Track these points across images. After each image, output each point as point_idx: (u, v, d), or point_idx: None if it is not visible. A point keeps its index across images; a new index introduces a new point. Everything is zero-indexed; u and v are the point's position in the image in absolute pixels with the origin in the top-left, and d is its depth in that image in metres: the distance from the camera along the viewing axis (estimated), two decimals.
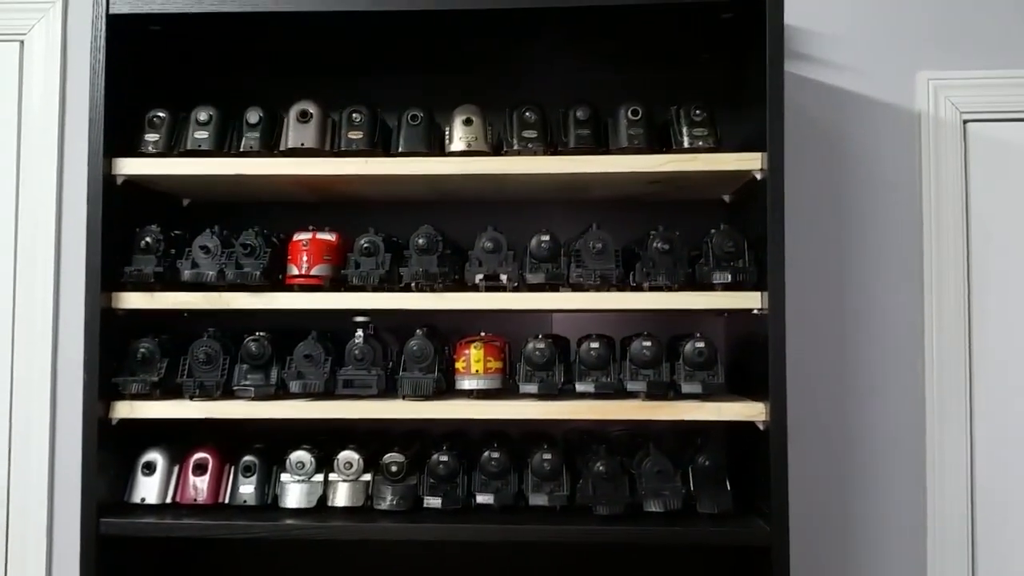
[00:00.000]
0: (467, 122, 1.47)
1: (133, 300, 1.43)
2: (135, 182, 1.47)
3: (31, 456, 1.68)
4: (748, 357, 1.51)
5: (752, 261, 1.42)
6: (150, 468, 1.47)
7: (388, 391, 1.45)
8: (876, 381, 1.68)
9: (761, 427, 1.38)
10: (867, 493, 1.66)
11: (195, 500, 1.45)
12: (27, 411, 1.69)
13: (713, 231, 1.44)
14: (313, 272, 1.45)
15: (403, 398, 1.43)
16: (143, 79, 1.51)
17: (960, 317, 1.65)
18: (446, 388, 1.48)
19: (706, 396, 1.41)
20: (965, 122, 1.68)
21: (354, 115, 1.46)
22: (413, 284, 1.44)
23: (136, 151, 1.45)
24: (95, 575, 1.37)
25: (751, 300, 1.40)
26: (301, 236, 1.47)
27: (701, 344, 1.42)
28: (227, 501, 1.46)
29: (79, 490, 1.39)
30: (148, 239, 1.44)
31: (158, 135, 1.46)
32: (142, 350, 1.44)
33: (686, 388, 1.41)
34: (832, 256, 1.69)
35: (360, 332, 1.47)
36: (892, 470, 1.66)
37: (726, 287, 1.41)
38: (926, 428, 1.65)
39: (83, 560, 1.38)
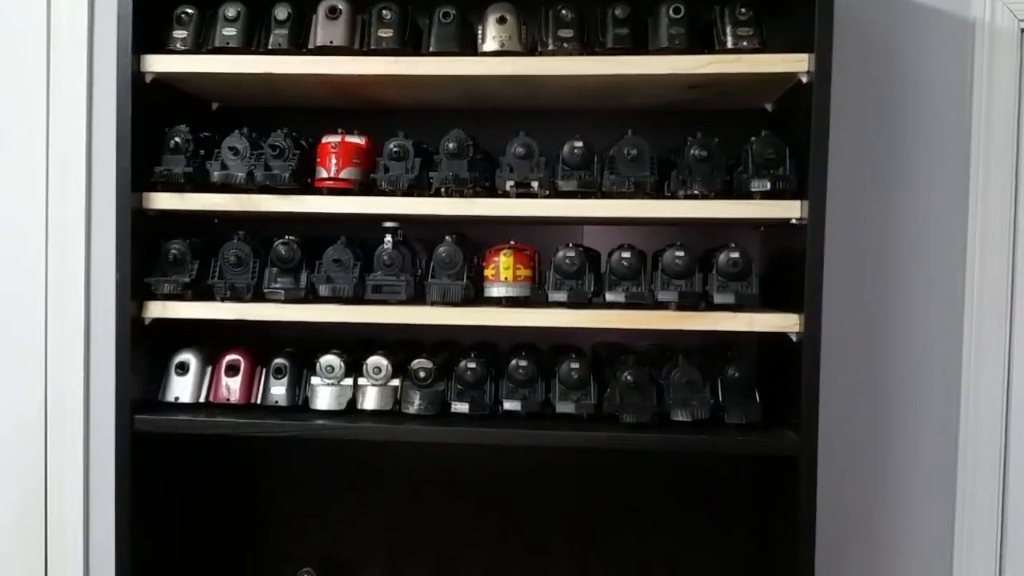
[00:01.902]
0: (501, 20, 1.42)
1: (163, 201, 1.42)
2: (164, 81, 1.45)
3: (66, 357, 1.72)
4: (784, 272, 1.48)
5: (793, 169, 1.37)
6: (183, 368, 1.49)
7: (417, 298, 1.45)
8: (915, 294, 1.64)
9: (794, 338, 1.35)
10: (899, 409, 1.64)
11: (227, 400, 1.48)
12: (61, 312, 1.72)
13: (753, 138, 1.39)
14: (342, 175, 1.43)
15: (431, 304, 1.43)
16: None
17: (1005, 230, 1.60)
18: (475, 296, 1.47)
19: (739, 307, 1.39)
20: (1023, 30, 1.59)
21: (384, 12, 1.42)
22: (443, 189, 1.41)
23: (164, 48, 1.43)
24: (130, 471, 1.40)
25: (790, 209, 1.36)
26: (330, 139, 1.44)
27: (736, 254, 1.39)
28: (259, 402, 1.48)
29: (114, 389, 1.42)
30: (177, 139, 1.43)
31: (186, 32, 1.43)
32: (173, 251, 1.44)
33: (719, 299, 1.39)
34: (876, 167, 1.63)
35: (389, 238, 1.45)
36: (925, 386, 1.64)
37: (764, 195, 1.37)
38: (963, 344, 1.61)
39: (118, 456, 1.42)
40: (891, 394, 1.64)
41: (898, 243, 1.64)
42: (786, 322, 1.36)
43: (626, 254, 1.43)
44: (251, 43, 1.44)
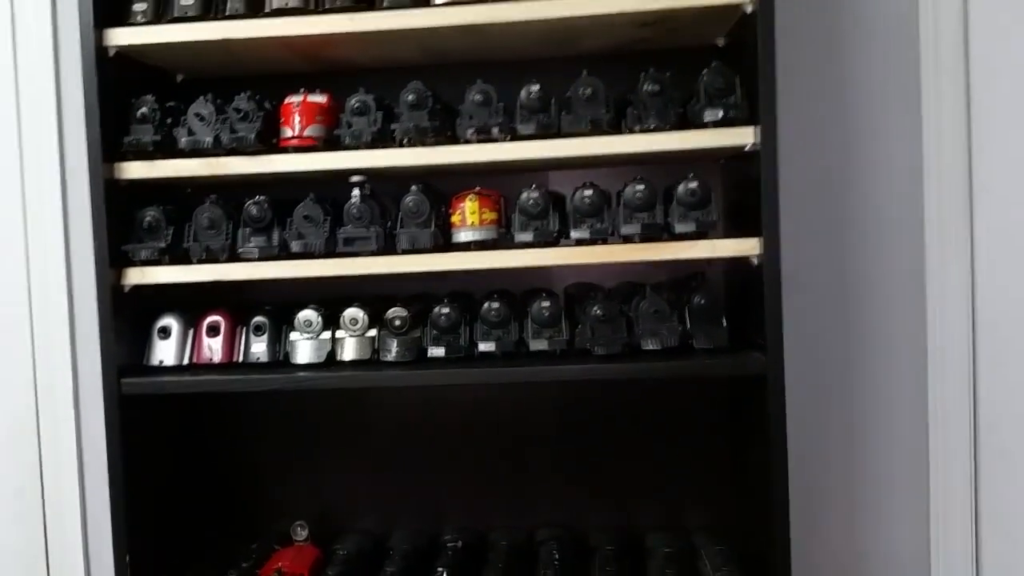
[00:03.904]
0: None
1: (134, 170, 1.46)
2: (127, 55, 1.48)
3: (51, 329, 1.76)
4: (744, 201, 1.51)
5: (744, 98, 1.41)
6: (165, 332, 1.53)
7: (388, 250, 1.48)
8: (873, 217, 1.67)
9: (755, 261, 1.39)
10: (867, 325, 1.68)
11: (210, 360, 1.52)
12: (43, 286, 1.76)
13: (705, 70, 1.43)
14: (306, 133, 1.46)
15: (402, 253, 1.46)
16: None
17: (960, 139, 1.62)
18: (444, 244, 1.50)
19: (701, 235, 1.42)
20: None
21: None
22: (405, 140, 1.45)
23: (125, 22, 1.46)
24: (119, 433, 1.44)
25: (743, 136, 1.39)
26: (293, 99, 1.48)
27: (694, 184, 1.43)
28: (241, 360, 1.52)
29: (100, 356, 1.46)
30: (144, 109, 1.47)
31: (145, 4, 1.46)
32: (148, 218, 1.48)
33: (680, 228, 1.42)
34: (826, 94, 1.67)
35: (356, 192, 1.49)
36: (891, 299, 1.67)
37: (717, 124, 1.40)
38: (925, 260, 1.64)
39: (108, 420, 1.45)
40: (859, 311, 1.68)
41: (855, 163, 1.67)
42: (746, 246, 1.40)
43: (588, 191, 1.46)
44: (209, 11, 1.47)
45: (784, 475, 1.37)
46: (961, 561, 1.62)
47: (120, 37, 1.45)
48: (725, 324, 1.46)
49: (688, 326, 1.45)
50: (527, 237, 1.45)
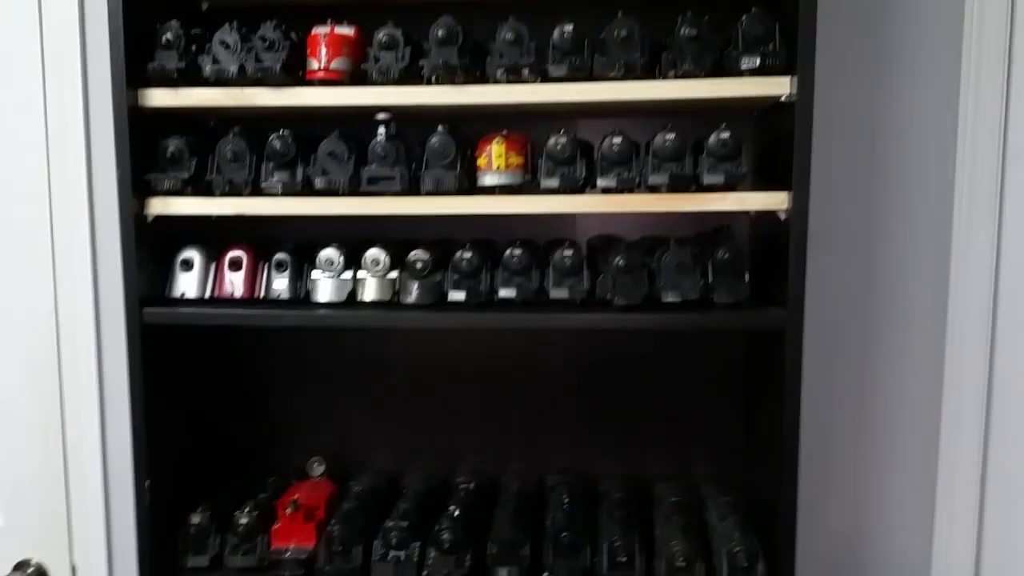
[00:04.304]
0: None
1: (158, 97, 1.44)
2: None
3: (73, 259, 1.75)
4: (776, 155, 1.48)
5: (783, 46, 1.37)
6: (188, 265, 1.53)
7: (412, 191, 1.46)
8: (903, 178, 1.64)
9: (783, 216, 1.37)
10: (889, 285, 1.66)
11: (232, 294, 1.52)
12: (65, 214, 1.75)
13: (744, 16, 1.38)
14: (332, 66, 1.44)
15: (426, 195, 1.45)
16: None
17: (997, 111, 1.57)
18: (469, 188, 1.49)
19: (729, 187, 1.40)
20: None
21: None
22: (433, 77, 1.42)
23: None
24: (141, 364, 1.45)
25: (779, 85, 1.36)
26: (319, 29, 1.45)
27: (726, 135, 1.40)
28: (262, 295, 1.53)
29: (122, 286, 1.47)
30: (169, 35, 1.44)
31: None
32: (171, 148, 1.47)
33: (708, 179, 1.40)
34: (863, 48, 1.62)
35: (382, 130, 1.47)
36: (915, 267, 1.65)
37: (754, 72, 1.37)
38: (953, 226, 1.61)
39: (130, 349, 1.46)
40: (881, 273, 1.66)
41: (890, 122, 1.63)
42: (775, 200, 1.37)
43: (617, 139, 1.43)
44: None
45: (795, 429, 1.37)
46: (965, 526, 1.64)
47: None
48: (747, 279, 1.44)
49: (710, 280, 1.44)
50: (553, 183, 1.43)
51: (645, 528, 1.50)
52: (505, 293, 1.47)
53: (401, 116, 1.52)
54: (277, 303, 1.52)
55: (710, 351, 1.67)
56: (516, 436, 1.75)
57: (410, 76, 1.43)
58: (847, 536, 1.70)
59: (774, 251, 1.44)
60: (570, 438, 1.74)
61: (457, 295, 1.47)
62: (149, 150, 1.47)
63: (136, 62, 1.42)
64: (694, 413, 1.70)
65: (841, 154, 1.63)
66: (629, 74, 1.39)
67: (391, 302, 1.50)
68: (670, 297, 1.42)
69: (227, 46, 1.44)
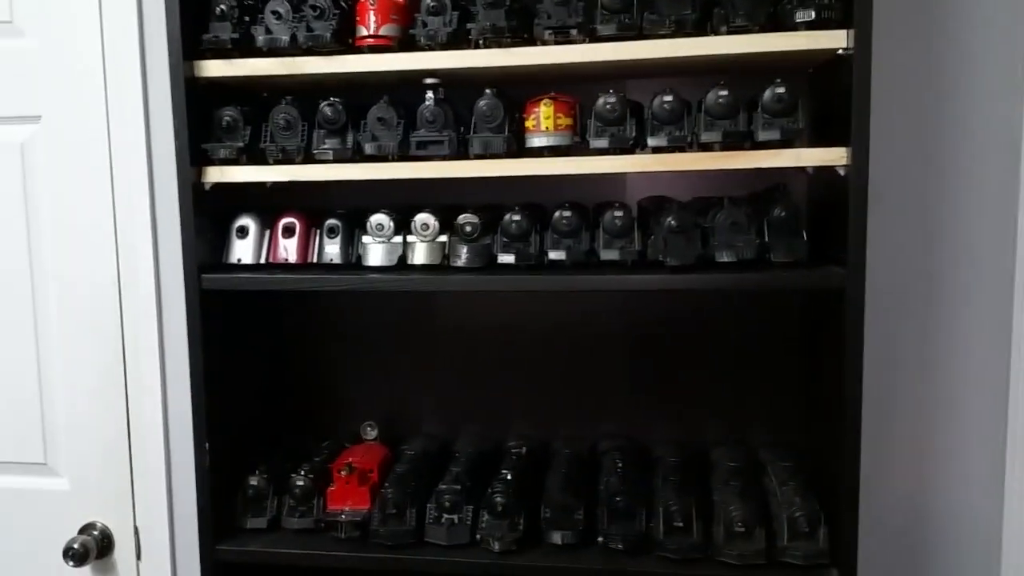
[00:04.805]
0: None
1: (213, 68, 1.47)
2: None
3: (135, 226, 1.81)
4: (832, 111, 1.44)
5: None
6: (243, 232, 1.56)
7: (461, 155, 1.47)
8: (965, 132, 1.58)
9: (842, 172, 1.33)
10: (951, 244, 1.60)
11: (286, 260, 1.55)
12: (126, 183, 1.80)
13: None
14: (381, 32, 1.45)
15: (474, 158, 1.45)
16: None
17: None
18: (517, 151, 1.48)
19: (786, 143, 1.37)
20: None
21: None
22: (481, 41, 1.42)
23: None
24: (200, 325, 1.49)
25: (836, 39, 1.31)
26: None
27: (781, 89, 1.36)
28: (315, 261, 1.55)
29: (181, 253, 1.51)
30: (222, 6, 1.47)
31: None
32: (226, 118, 1.50)
33: (763, 135, 1.36)
34: (929, 5, 1.56)
35: (430, 94, 1.47)
36: (977, 224, 1.59)
37: (809, 26, 1.33)
38: (1020, 178, 1.55)
39: (189, 312, 1.50)
40: (943, 230, 1.60)
41: (950, 76, 1.57)
42: (833, 155, 1.34)
43: (668, 98, 1.41)
44: None
45: (858, 391, 1.33)
46: None
47: None
48: (805, 238, 1.41)
49: (766, 239, 1.41)
50: (602, 143, 1.42)
51: (702, 493, 1.48)
52: (555, 255, 1.46)
53: (449, 80, 1.53)
54: (329, 267, 1.54)
55: (767, 312, 1.64)
56: (567, 401, 1.74)
57: (458, 40, 1.43)
58: (912, 500, 1.64)
59: (832, 209, 1.40)
60: (622, 403, 1.73)
61: (506, 258, 1.47)
62: (205, 120, 1.50)
63: (191, 34, 1.46)
64: (751, 376, 1.67)
65: (900, 107, 1.57)
66: (680, 30, 1.37)
67: (441, 265, 1.51)
68: (725, 257, 1.39)
69: (279, 15, 1.46)
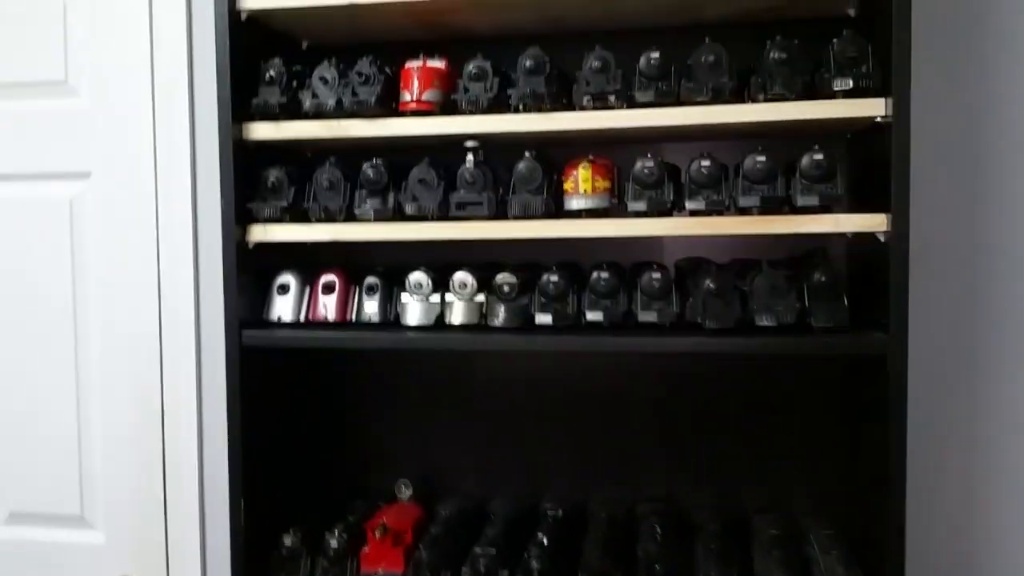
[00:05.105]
0: None
1: (261, 130, 1.52)
2: (258, 19, 1.53)
3: (178, 282, 1.85)
4: (871, 177, 1.45)
5: (876, 67, 1.35)
6: (284, 289, 1.59)
7: (500, 216, 1.49)
8: (1007, 196, 1.58)
9: (882, 238, 1.33)
10: (994, 311, 1.59)
11: (325, 317, 1.57)
12: (172, 241, 1.85)
13: (835, 39, 1.37)
14: (424, 97, 1.48)
15: (513, 219, 1.47)
16: None
17: None
18: (556, 212, 1.50)
19: (824, 209, 1.37)
20: None
21: None
22: (521, 106, 1.45)
23: None
24: (239, 382, 1.51)
25: (874, 107, 1.33)
26: (412, 64, 1.50)
27: (819, 156, 1.37)
28: (353, 319, 1.57)
29: (222, 310, 1.53)
30: (272, 72, 1.52)
31: None
32: (272, 178, 1.54)
33: (802, 201, 1.37)
34: (960, 67, 1.58)
35: (470, 156, 1.50)
36: (1022, 287, 1.57)
37: (847, 94, 1.34)
38: None
39: (229, 370, 1.52)
40: (987, 294, 1.59)
41: (989, 139, 1.58)
42: (873, 222, 1.34)
43: (706, 162, 1.43)
44: None
45: (902, 461, 1.31)
46: None
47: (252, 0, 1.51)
48: (846, 302, 1.40)
49: (806, 304, 1.41)
50: (640, 206, 1.43)
51: (744, 562, 1.45)
52: (592, 316, 1.47)
53: (489, 142, 1.56)
54: (368, 326, 1.55)
55: (808, 377, 1.62)
56: (605, 462, 1.73)
57: (498, 105, 1.47)
58: (957, 572, 1.60)
59: (873, 273, 1.40)
60: (661, 466, 1.71)
61: (544, 318, 1.48)
62: (251, 179, 1.54)
63: (241, 97, 1.50)
64: (792, 442, 1.65)
65: (940, 172, 1.58)
66: (717, 98, 1.39)
67: (478, 325, 1.52)
68: (764, 321, 1.39)
69: (325, 81, 1.51)
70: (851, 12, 1.54)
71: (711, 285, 1.41)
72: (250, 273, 1.56)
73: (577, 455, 1.73)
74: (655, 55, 1.42)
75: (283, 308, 1.58)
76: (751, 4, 1.50)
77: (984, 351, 1.60)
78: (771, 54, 1.38)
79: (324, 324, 1.57)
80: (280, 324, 1.57)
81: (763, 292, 1.40)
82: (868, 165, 1.47)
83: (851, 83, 1.34)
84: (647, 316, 1.44)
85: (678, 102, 1.41)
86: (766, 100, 1.38)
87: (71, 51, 1.85)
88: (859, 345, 1.36)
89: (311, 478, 1.78)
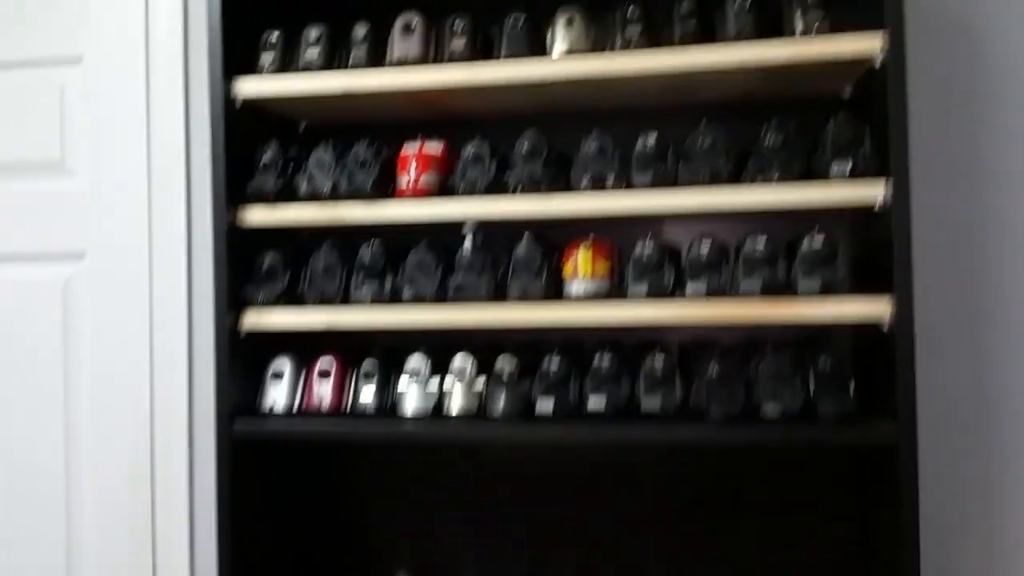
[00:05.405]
0: (569, 23, 1.45)
1: (256, 215, 1.50)
2: (254, 104, 1.53)
3: (171, 368, 1.81)
4: (872, 259, 1.43)
5: (873, 150, 1.34)
6: (278, 375, 1.55)
7: (498, 298, 1.46)
8: (1010, 276, 1.56)
9: (887, 324, 1.31)
10: (1004, 393, 1.55)
11: (320, 405, 1.53)
12: (166, 325, 1.81)
13: (831, 121, 1.37)
14: (422, 181, 1.48)
15: (512, 303, 1.45)
16: (258, 3, 1.56)
17: None
18: (555, 294, 1.48)
19: (826, 293, 1.35)
20: None
21: (456, 24, 1.47)
22: (519, 189, 1.45)
23: (253, 72, 1.52)
24: (229, 477, 1.47)
25: (873, 191, 1.32)
26: (409, 147, 1.50)
27: (820, 240, 1.36)
28: (349, 407, 1.53)
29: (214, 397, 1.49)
30: (268, 157, 1.52)
31: (273, 54, 1.52)
32: (267, 262, 1.52)
33: (804, 286, 1.35)
34: (962, 152, 1.57)
35: (468, 239, 1.49)
36: None
37: (845, 178, 1.34)
38: None
39: (219, 463, 1.48)
40: (997, 376, 1.56)
41: (990, 217, 1.57)
42: (877, 308, 1.32)
43: (706, 245, 1.41)
44: (333, 62, 1.52)
45: (916, 555, 1.26)
46: None
47: (248, 87, 1.50)
48: (852, 389, 1.37)
49: (812, 390, 1.38)
50: (641, 290, 1.41)
51: None
52: (595, 403, 1.43)
53: (487, 224, 1.54)
54: (364, 415, 1.51)
55: (815, 464, 1.58)
56: (610, 553, 1.66)
57: (496, 188, 1.46)
58: None
59: (878, 359, 1.37)
60: (668, 556, 1.65)
61: (545, 405, 1.45)
62: (245, 262, 1.52)
63: (236, 181, 1.50)
64: (803, 531, 1.59)
65: (941, 251, 1.57)
66: (715, 181, 1.38)
67: (478, 413, 1.48)
68: (770, 409, 1.36)
69: (322, 165, 1.51)
70: (845, 94, 1.55)
71: (715, 372, 1.39)
72: (244, 358, 1.53)
73: (581, 545, 1.68)
74: (652, 138, 1.42)
75: (277, 395, 1.54)
76: (746, 86, 1.51)
77: (994, 437, 1.56)
78: (767, 137, 1.38)
79: (319, 414, 1.53)
80: (273, 414, 1.53)
81: (768, 379, 1.38)
82: (868, 243, 1.46)
83: (849, 167, 1.34)
84: (650, 403, 1.41)
85: (676, 183, 1.41)
86: (764, 183, 1.37)
87: (68, 132, 1.85)
88: (868, 437, 1.33)
89: (308, 567, 1.72)
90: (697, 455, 1.61)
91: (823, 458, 1.57)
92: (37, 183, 1.86)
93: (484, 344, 1.60)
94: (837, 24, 1.38)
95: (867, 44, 1.32)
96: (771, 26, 1.41)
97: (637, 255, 1.43)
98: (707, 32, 1.41)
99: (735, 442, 1.36)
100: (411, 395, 1.49)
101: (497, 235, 1.53)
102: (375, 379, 1.52)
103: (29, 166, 1.87)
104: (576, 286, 1.46)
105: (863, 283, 1.45)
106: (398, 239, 1.53)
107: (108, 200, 1.83)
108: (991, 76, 1.57)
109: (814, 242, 1.36)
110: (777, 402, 1.36)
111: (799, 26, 1.37)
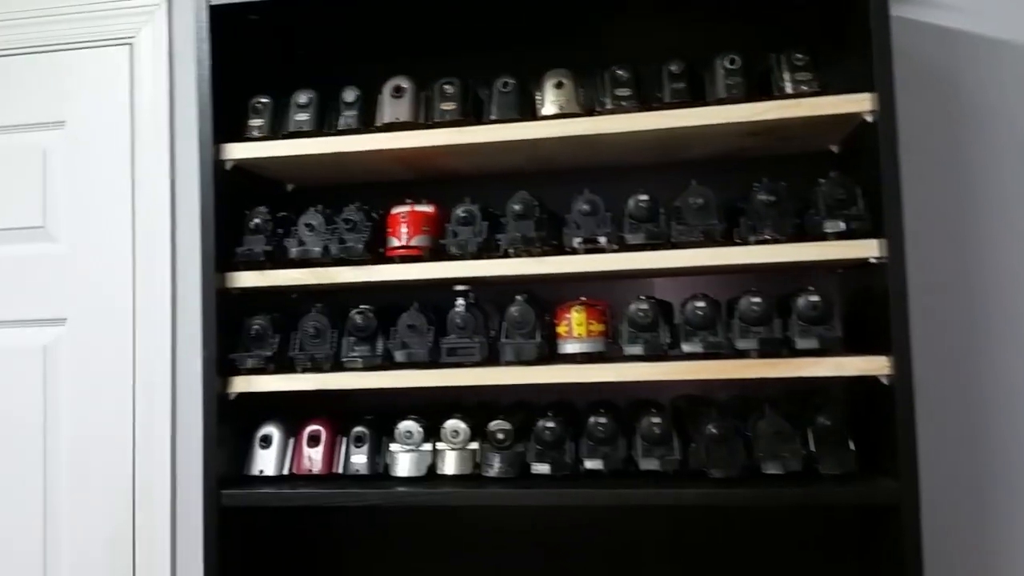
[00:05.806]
0: (558, 86, 1.46)
1: (245, 279, 1.48)
2: (243, 167, 1.53)
3: (154, 434, 1.77)
4: (866, 313, 1.43)
5: (866, 208, 1.35)
6: (267, 441, 1.52)
7: (491, 359, 1.45)
8: (1007, 329, 1.56)
9: (885, 381, 1.30)
10: (1005, 452, 1.55)
11: (310, 470, 1.49)
12: (149, 391, 1.77)
13: (822, 180, 1.38)
14: (413, 243, 1.47)
15: (506, 365, 1.43)
16: (246, 68, 1.57)
17: None
18: (549, 354, 1.46)
19: (823, 351, 1.34)
20: None
21: (446, 87, 1.48)
22: (511, 250, 1.44)
23: (242, 137, 1.51)
24: (217, 545, 1.42)
25: (867, 248, 1.33)
26: (400, 209, 1.49)
27: (815, 297, 1.36)
28: (340, 471, 1.49)
29: (201, 464, 1.45)
30: (257, 220, 1.50)
31: (262, 120, 1.52)
32: (256, 327, 1.49)
33: (801, 344, 1.35)
34: (953, 206, 1.59)
35: (461, 301, 1.47)
36: None
37: (839, 236, 1.34)
38: None
39: (206, 531, 1.43)
40: (997, 434, 1.55)
41: (983, 271, 1.58)
42: (875, 365, 1.31)
43: (700, 303, 1.41)
44: (322, 126, 1.51)
45: None
46: None
47: (238, 151, 1.49)
48: (852, 447, 1.36)
49: (811, 448, 1.36)
50: (636, 350, 1.40)
51: None
52: (591, 464, 1.41)
53: (480, 284, 1.53)
54: (355, 479, 1.48)
55: (818, 523, 1.55)
56: None
57: (488, 248, 1.45)
58: None
59: (877, 415, 1.36)
60: None
61: (541, 468, 1.42)
62: (234, 325, 1.50)
63: (225, 245, 1.48)
64: None
65: (936, 307, 1.57)
66: (708, 241, 1.38)
67: (472, 475, 1.45)
68: (771, 469, 1.34)
69: (312, 228, 1.49)
70: (835, 149, 1.56)
71: (713, 431, 1.37)
72: (232, 423, 1.49)
73: None
74: (643, 198, 1.42)
75: (266, 461, 1.50)
76: (735, 142, 1.52)
77: (995, 495, 1.55)
78: (759, 196, 1.39)
79: (309, 478, 1.49)
80: (262, 479, 1.49)
81: (767, 437, 1.36)
82: (863, 300, 1.46)
83: (843, 226, 1.34)
84: (648, 464, 1.39)
85: (668, 243, 1.40)
86: (757, 243, 1.37)
87: (50, 196, 1.83)
88: (870, 495, 1.31)
89: None
90: (696, 513, 1.58)
91: (824, 516, 1.54)
92: (18, 247, 1.83)
93: (477, 404, 1.57)
94: (825, 81, 1.40)
95: (856, 105, 1.33)
96: (760, 84, 1.43)
97: (631, 314, 1.41)
98: (696, 92, 1.43)
99: (737, 503, 1.33)
100: (403, 459, 1.46)
101: (489, 294, 1.53)
102: (366, 444, 1.49)
103: (10, 230, 1.84)
104: (571, 346, 1.44)
105: (857, 334, 1.44)
106: (389, 298, 1.52)
107: (90, 265, 1.81)
108: (982, 132, 1.60)
109: (809, 300, 1.35)
110: (777, 462, 1.34)
111: (787, 87, 1.39)
